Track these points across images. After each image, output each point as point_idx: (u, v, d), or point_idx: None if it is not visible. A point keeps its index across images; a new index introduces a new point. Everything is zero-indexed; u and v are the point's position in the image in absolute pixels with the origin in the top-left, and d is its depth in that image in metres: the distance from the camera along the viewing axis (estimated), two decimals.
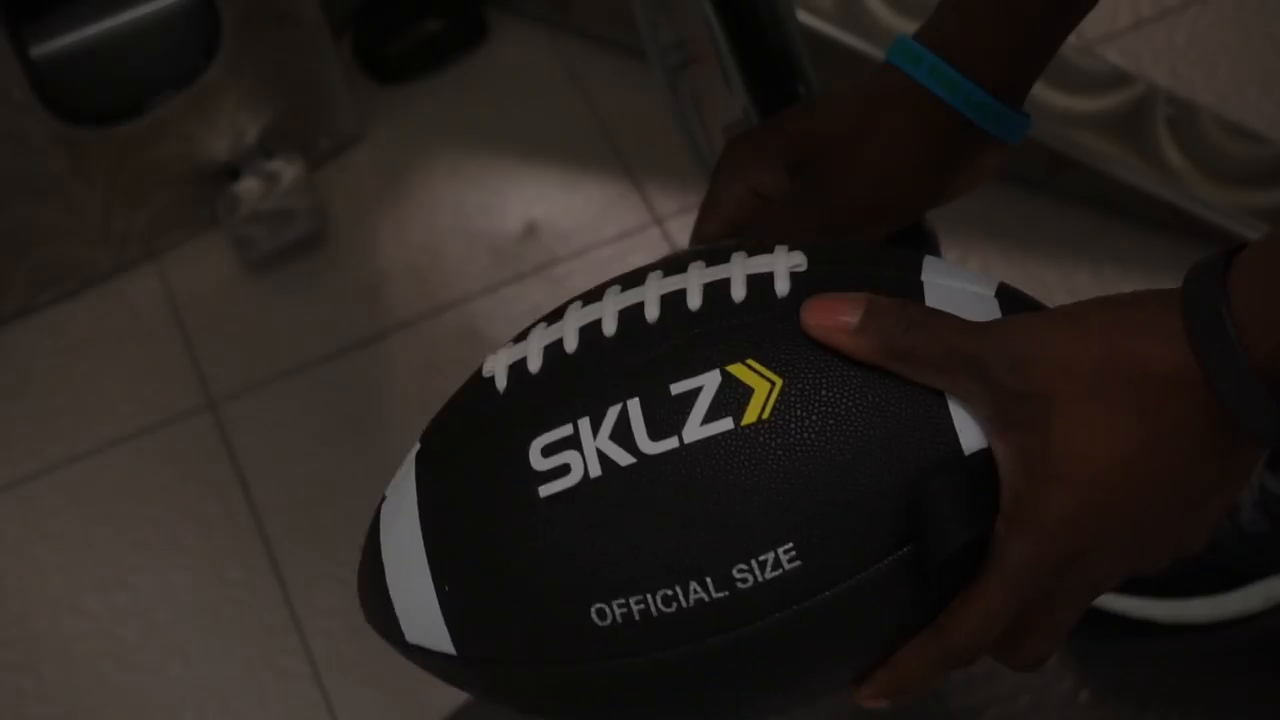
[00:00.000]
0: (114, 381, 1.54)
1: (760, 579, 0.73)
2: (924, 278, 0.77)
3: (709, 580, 0.74)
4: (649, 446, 0.75)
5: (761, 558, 0.73)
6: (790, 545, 0.73)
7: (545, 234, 1.58)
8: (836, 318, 0.74)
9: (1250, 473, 0.75)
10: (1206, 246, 1.48)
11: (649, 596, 0.74)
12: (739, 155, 0.91)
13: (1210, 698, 1.27)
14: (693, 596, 0.74)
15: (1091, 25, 1.65)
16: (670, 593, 0.74)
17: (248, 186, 1.58)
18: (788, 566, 0.73)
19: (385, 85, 1.69)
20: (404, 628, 0.82)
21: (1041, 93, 1.53)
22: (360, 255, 1.59)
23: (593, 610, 0.75)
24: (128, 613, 1.41)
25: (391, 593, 0.82)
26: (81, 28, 1.53)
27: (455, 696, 1.34)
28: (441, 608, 0.80)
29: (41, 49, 1.51)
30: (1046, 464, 0.72)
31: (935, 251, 0.94)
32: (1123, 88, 1.56)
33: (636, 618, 0.75)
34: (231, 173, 1.60)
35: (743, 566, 0.73)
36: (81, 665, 1.39)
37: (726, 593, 0.73)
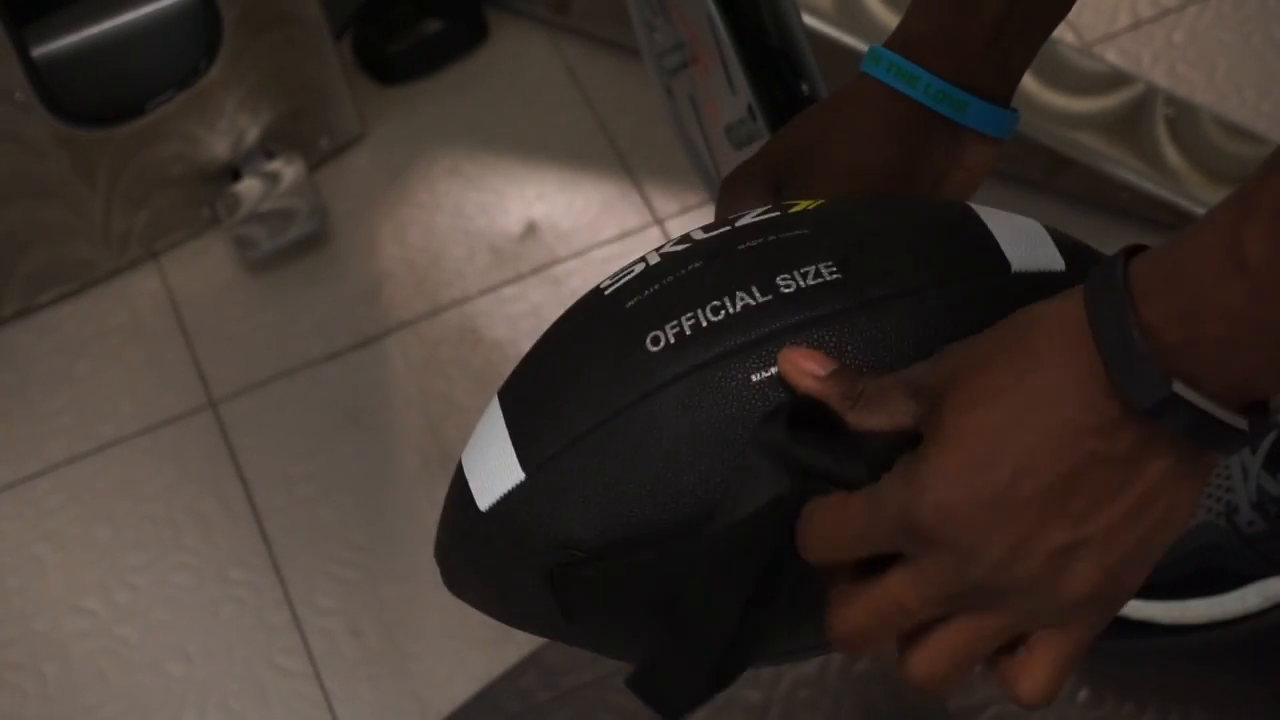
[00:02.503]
0: (115, 381, 1.54)
1: (802, 285, 0.78)
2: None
3: (754, 288, 0.79)
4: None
5: (804, 269, 0.79)
6: (830, 261, 0.79)
7: (545, 234, 1.58)
8: (808, 364, 0.77)
9: (1154, 499, 0.73)
10: None
11: (699, 311, 0.78)
12: (732, 187, 0.92)
13: (1210, 698, 1.27)
14: (739, 303, 0.78)
15: (1091, 26, 1.65)
16: (718, 303, 0.78)
17: (248, 187, 1.58)
18: (828, 277, 0.78)
19: (385, 85, 1.69)
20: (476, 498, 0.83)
21: (1041, 93, 1.53)
22: (360, 255, 1.59)
23: (648, 339, 0.79)
24: (128, 612, 1.42)
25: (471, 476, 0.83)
26: (83, 28, 1.53)
27: (455, 696, 1.35)
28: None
29: (43, 50, 1.51)
30: (938, 430, 0.73)
31: None
32: (1122, 88, 1.56)
33: (688, 332, 0.78)
34: (232, 173, 1.60)
35: (786, 276, 0.78)
36: (82, 664, 1.39)
37: (770, 296, 0.78)
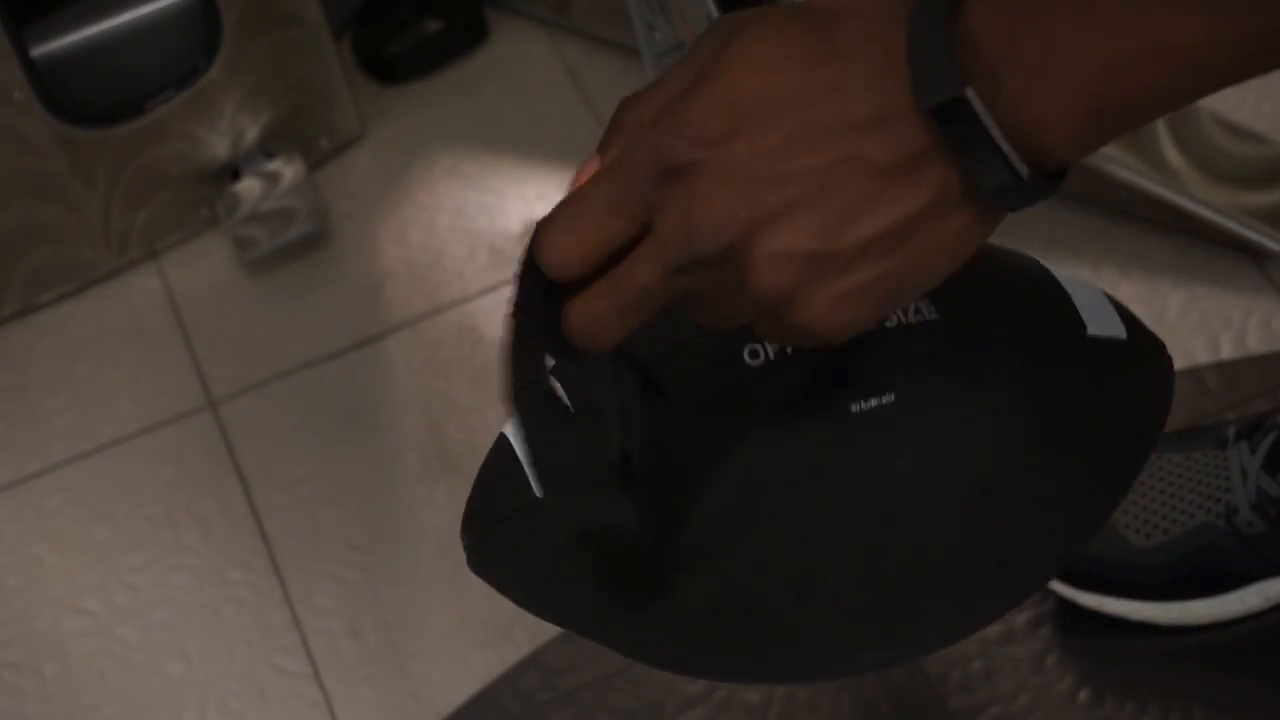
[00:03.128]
0: (114, 381, 1.54)
1: (903, 320, 0.77)
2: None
3: None
4: None
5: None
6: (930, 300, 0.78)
7: None
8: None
9: (944, 240, 0.68)
10: (1207, 246, 1.48)
11: None
12: None
13: (1210, 698, 1.27)
14: None
15: None
16: None
17: (248, 186, 1.58)
18: (928, 316, 0.77)
19: (385, 85, 1.69)
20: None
21: None
22: (360, 255, 1.59)
23: (745, 352, 0.78)
24: (128, 612, 1.41)
25: None
26: (82, 28, 1.53)
27: (455, 696, 1.35)
28: None
29: (42, 49, 1.51)
30: (712, 66, 0.68)
31: None
32: None
33: (789, 351, 0.77)
34: (232, 173, 1.60)
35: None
36: (81, 665, 1.39)
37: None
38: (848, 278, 0.68)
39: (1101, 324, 0.82)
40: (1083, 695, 1.28)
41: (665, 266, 0.69)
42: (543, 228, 0.71)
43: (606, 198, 0.69)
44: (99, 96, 1.54)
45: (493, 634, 1.37)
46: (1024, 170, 0.66)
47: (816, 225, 0.67)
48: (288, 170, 1.58)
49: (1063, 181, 0.68)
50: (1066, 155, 0.67)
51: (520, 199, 1.61)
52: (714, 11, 1.04)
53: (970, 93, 0.65)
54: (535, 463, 0.76)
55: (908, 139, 0.66)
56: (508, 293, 1.55)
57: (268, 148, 1.60)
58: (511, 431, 0.83)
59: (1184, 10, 0.64)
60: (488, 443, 1.46)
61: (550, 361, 0.74)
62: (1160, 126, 1.53)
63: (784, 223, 0.67)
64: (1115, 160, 1.50)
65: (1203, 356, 1.43)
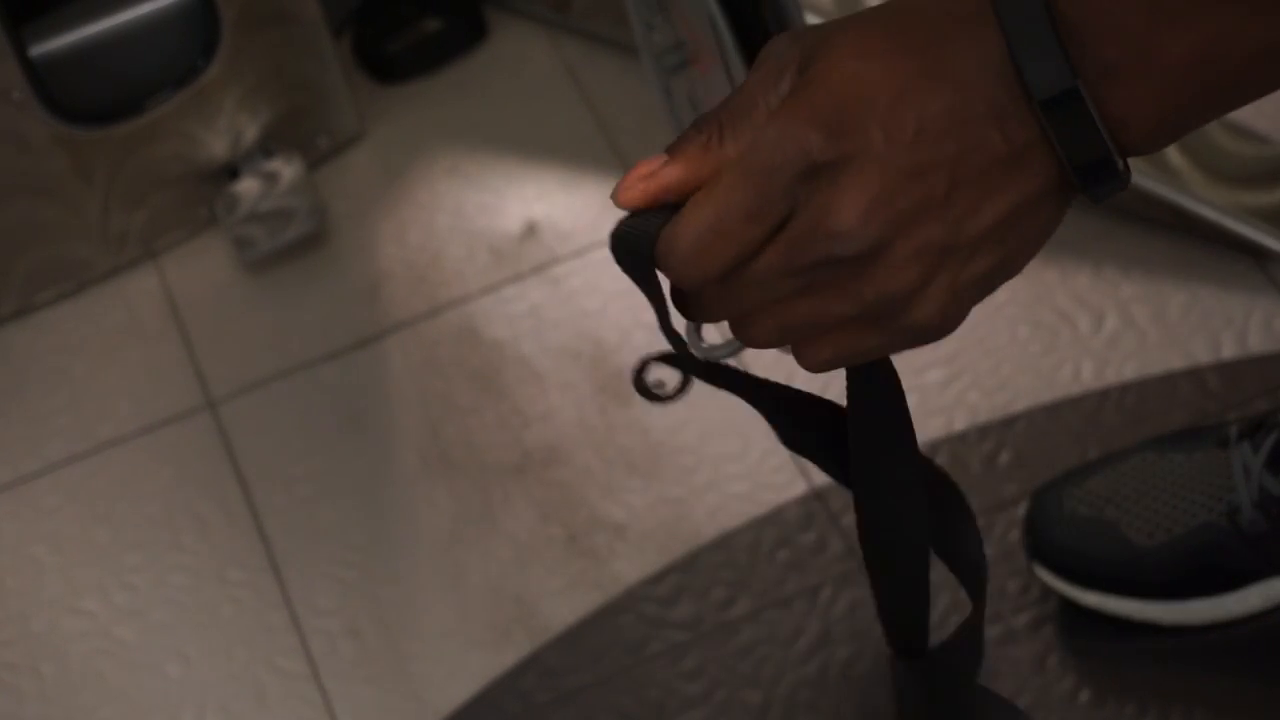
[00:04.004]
0: (113, 381, 1.54)
1: None
2: None
3: None
4: None
5: None
6: None
7: (545, 234, 1.58)
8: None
9: (1038, 230, 0.68)
10: (1206, 246, 1.48)
11: None
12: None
13: (1210, 698, 1.27)
14: None
15: None
16: None
17: (247, 186, 1.58)
18: None
19: (385, 85, 1.69)
20: None
21: None
22: (360, 255, 1.59)
23: None
24: (127, 613, 1.41)
25: None
26: (81, 27, 1.53)
27: (455, 696, 1.34)
28: None
29: (41, 48, 1.51)
30: (813, 70, 0.67)
31: None
32: None
33: None
34: (231, 172, 1.60)
35: None
36: (80, 665, 1.39)
37: None
38: (966, 269, 0.68)
39: None
40: (1084, 696, 1.27)
41: (792, 266, 0.68)
42: (676, 240, 0.70)
43: (747, 205, 0.68)
44: (98, 96, 1.54)
45: (493, 634, 1.37)
46: (1120, 161, 0.67)
47: (950, 217, 0.67)
48: (287, 170, 1.58)
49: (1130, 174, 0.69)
50: (1141, 149, 0.68)
51: (520, 199, 1.61)
52: (714, 11, 1.03)
53: (1081, 85, 0.65)
54: None
55: (1022, 129, 0.67)
56: (507, 292, 1.55)
57: (267, 147, 1.60)
58: None
59: (1252, 8, 0.65)
60: (487, 443, 1.46)
61: None
62: None
63: (923, 216, 0.67)
64: None
65: (1204, 356, 1.43)
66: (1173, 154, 1.52)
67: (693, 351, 0.74)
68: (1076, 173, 0.67)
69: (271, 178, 1.58)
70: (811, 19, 1.51)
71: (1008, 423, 1.41)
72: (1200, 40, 0.65)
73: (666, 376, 0.75)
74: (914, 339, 0.69)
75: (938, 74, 0.66)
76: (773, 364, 1.40)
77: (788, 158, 0.67)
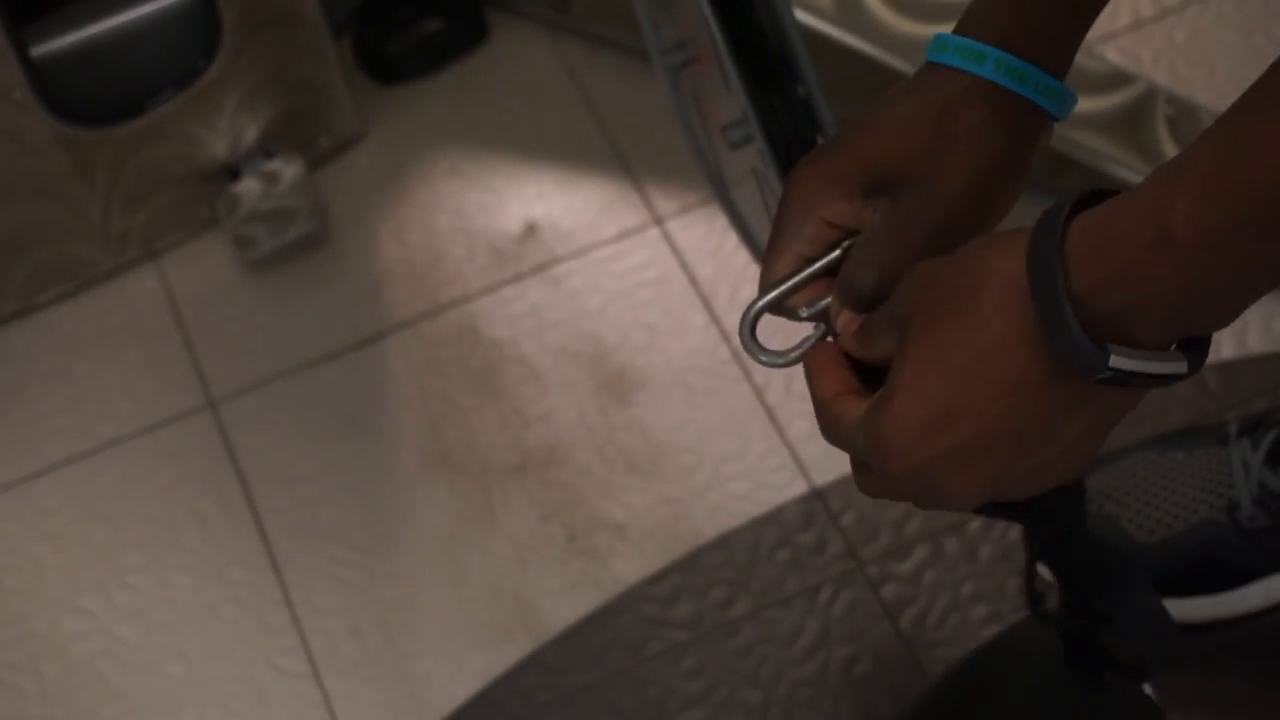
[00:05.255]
0: (114, 381, 1.54)
1: None
2: None
3: None
4: None
5: None
6: None
7: (545, 234, 1.58)
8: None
9: (1103, 418, 0.78)
10: None
11: None
12: (806, 188, 0.90)
13: (1210, 697, 1.27)
14: None
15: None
16: None
17: (248, 186, 1.58)
18: None
19: (385, 85, 1.69)
20: None
21: None
22: (360, 255, 1.59)
23: None
24: (127, 612, 1.41)
25: None
26: (82, 28, 1.53)
27: (455, 696, 1.34)
28: None
29: (42, 49, 1.51)
30: (900, 374, 0.79)
31: None
32: (1123, 88, 1.56)
33: None
34: (231, 173, 1.60)
35: None
36: (81, 665, 1.39)
37: None
38: (1060, 461, 0.80)
39: None
40: None
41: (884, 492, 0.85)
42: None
43: (848, 445, 0.85)
44: (99, 96, 1.54)
45: (493, 634, 1.37)
46: (1182, 368, 0.76)
47: (1027, 459, 0.79)
48: (287, 170, 1.58)
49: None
50: (1213, 330, 0.76)
51: (520, 199, 1.61)
52: (708, 14, 1.04)
53: (1115, 359, 0.74)
54: None
55: (1077, 382, 0.76)
56: (507, 292, 1.55)
57: (267, 147, 1.60)
58: None
59: (1265, 239, 0.71)
60: (487, 442, 1.46)
61: None
62: (1160, 126, 1.53)
63: (1008, 468, 0.80)
64: (1116, 160, 1.50)
65: None
66: (1172, 154, 1.52)
67: (759, 360, 0.90)
68: (1147, 389, 0.77)
69: (272, 178, 1.58)
70: (805, 17, 1.51)
71: None
72: (1229, 271, 0.72)
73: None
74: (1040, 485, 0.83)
75: (988, 366, 0.77)
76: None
77: (865, 449, 0.83)
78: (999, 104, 0.89)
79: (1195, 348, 0.76)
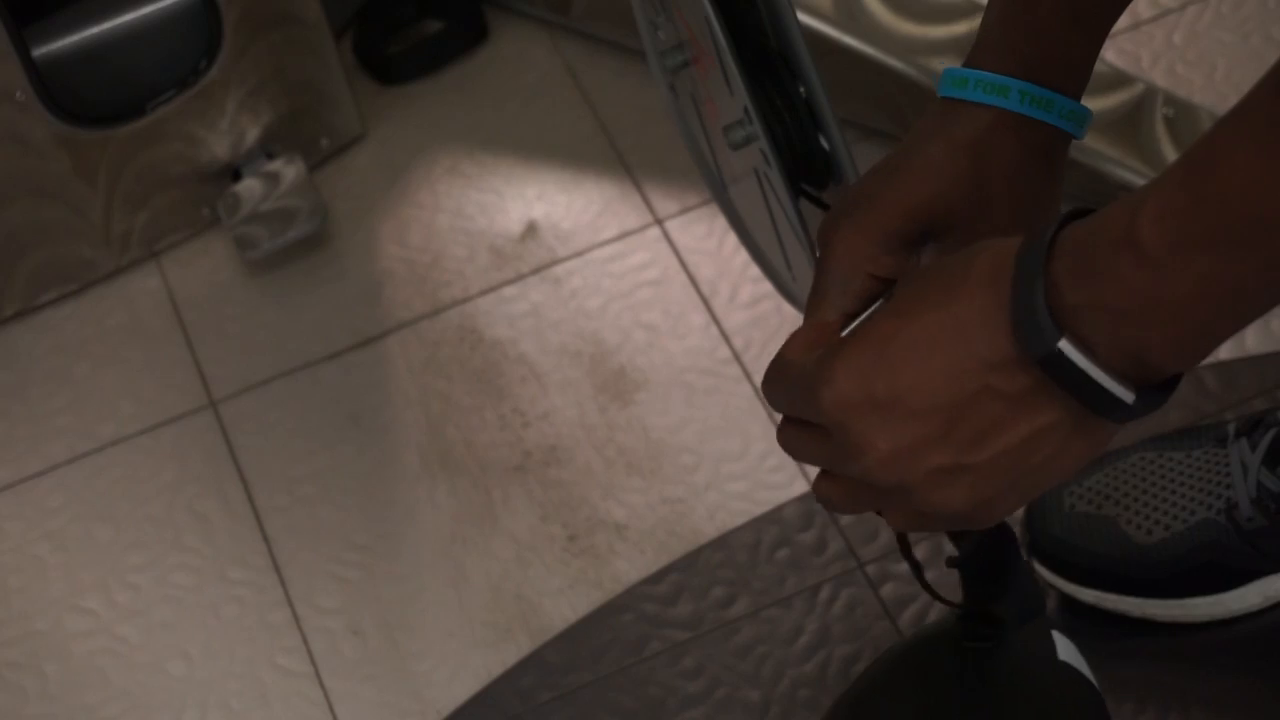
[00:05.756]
0: (115, 381, 1.54)
1: None
2: None
3: None
4: None
5: None
6: None
7: (545, 234, 1.58)
8: None
9: (1036, 438, 0.78)
10: None
11: None
12: (850, 245, 0.90)
13: (1210, 697, 1.27)
14: None
15: None
16: None
17: (249, 187, 1.58)
18: None
19: (386, 85, 1.70)
20: None
21: None
22: (361, 255, 1.59)
23: None
24: (129, 612, 1.42)
25: None
26: (83, 29, 1.53)
27: (455, 696, 1.35)
28: None
29: (44, 50, 1.51)
30: (863, 325, 0.81)
31: None
32: (1121, 88, 1.56)
33: None
34: (232, 173, 1.60)
35: None
36: (83, 664, 1.40)
37: None
38: (987, 482, 0.79)
39: None
40: None
41: (860, 496, 0.84)
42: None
43: (790, 405, 0.84)
44: (100, 97, 1.54)
45: (493, 634, 1.37)
46: (1128, 396, 0.76)
47: (955, 446, 0.78)
48: (288, 170, 1.58)
49: (1178, 385, 0.78)
50: (1171, 369, 0.77)
51: (520, 199, 1.61)
52: (710, 13, 1.04)
53: (1065, 344, 0.74)
54: None
55: (1024, 377, 0.76)
56: (507, 292, 1.55)
57: (268, 148, 1.60)
58: None
59: (1227, 256, 0.72)
60: (487, 442, 1.46)
61: None
62: (1159, 126, 1.54)
63: (930, 447, 0.79)
64: (1115, 160, 1.50)
65: None
66: (1172, 154, 1.52)
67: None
68: (1091, 408, 0.76)
69: (273, 178, 1.58)
70: (804, 18, 1.51)
71: None
72: (1188, 283, 0.73)
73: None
74: (955, 523, 0.82)
75: (949, 329, 0.77)
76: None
77: (803, 400, 0.82)
78: (1028, 135, 0.89)
79: (1155, 389, 0.77)
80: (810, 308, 0.91)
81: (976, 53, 0.90)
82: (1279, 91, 0.70)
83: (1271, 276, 0.72)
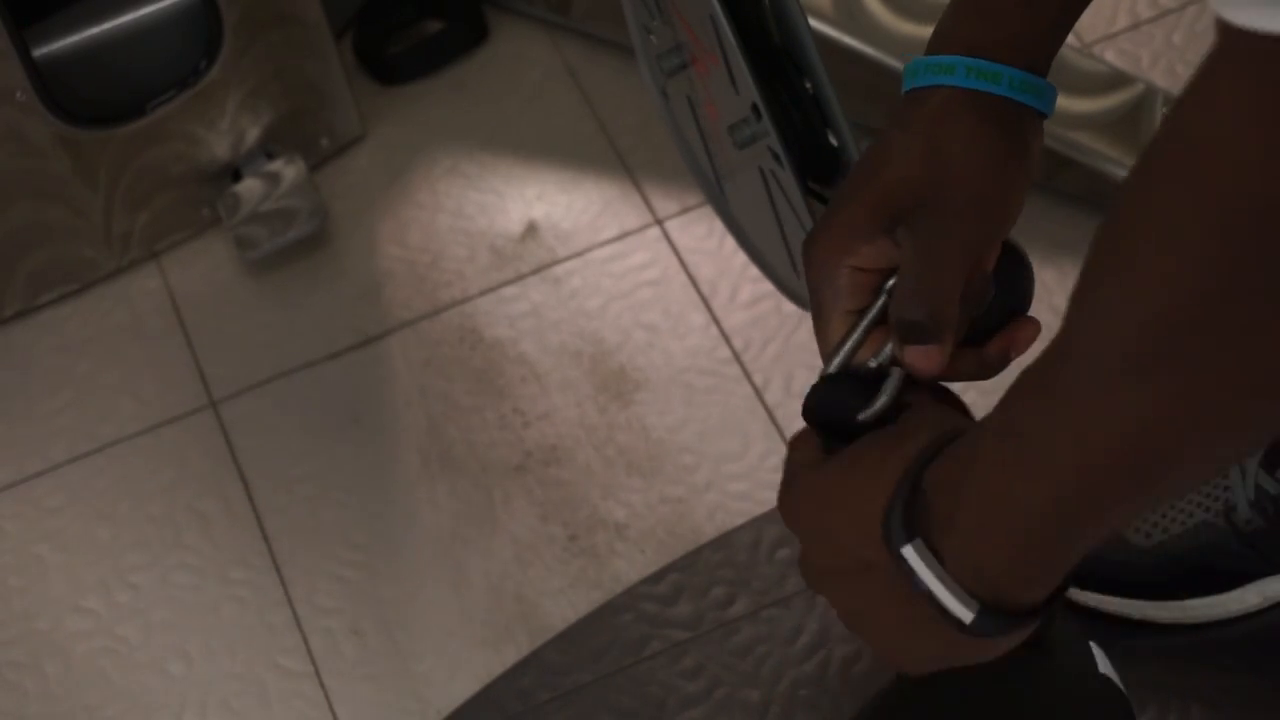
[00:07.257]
0: (115, 381, 1.54)
1: None
2: None
3: None
4: None
5: None
6: None
7: (545, 234, 1.58)
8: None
9: (931, 641, 0.84)
10: None
11: None
12: (826, 247, 0.91)
13: (1209, 697, 1.27)
14: None
15: (1090, 26, 1.65)
16: None
17: (249, 187, 1.58)
18: None
19: (386, 86, 1.70)
20: None
21: None
22: (361, 255, 1.59)
23: None
24: (129, 612, 1.42)
25: None
26: (84, 29, 1.54)
27: (455, 696, 1.35)
28: None
29: (44, 50, 1.52)
30: (826, 462, 0.88)
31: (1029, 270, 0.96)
32: (1121, 88, 1.56)
33: None
34: (233, 173, 1.60)
35: None
36: (83, 664, 1.40)
37: None
38: (860, 629, 0.88)
39: None
40: None
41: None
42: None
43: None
44: (101, 97, 1.54)
45: (493, 634, 1.37)
46: (965, 612, 0.80)
47: (839, 597, 0.88)
48: (288, 170, 1.58)
49: (1046, 613, 0.82)
50: (1024, 594, 0.81)
51: (520, 199, 1.61)
52: (717, 10, 1.03)
53: (909, 550, 0.80)
54: None
55: (879, 555, 0.82)
56: (507, 292, 1.55)
57: (268, 148, 1.60)
58: None
59: (1025, 474, 0.76)
60: (488, 442, 1.47)
61: None
62: (1158, 126, 1.54)
63: (823, 560, 0.89)
64: (1115, 160, 1.50)
65: None
66: None
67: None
68: (940, 612, 0.81)
69: (273, 178, 1.58)
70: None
71: None
72: (1052, 491, 0.76)
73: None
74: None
75: (851, 495, 0.84)
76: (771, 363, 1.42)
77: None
78: (981, 108, 0.89)
79: (1004, 612, 0.80)
80: (816, 322, 0.93)
81: (930, 43, 0.91)
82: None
83: (1063, 510, 0.77)
